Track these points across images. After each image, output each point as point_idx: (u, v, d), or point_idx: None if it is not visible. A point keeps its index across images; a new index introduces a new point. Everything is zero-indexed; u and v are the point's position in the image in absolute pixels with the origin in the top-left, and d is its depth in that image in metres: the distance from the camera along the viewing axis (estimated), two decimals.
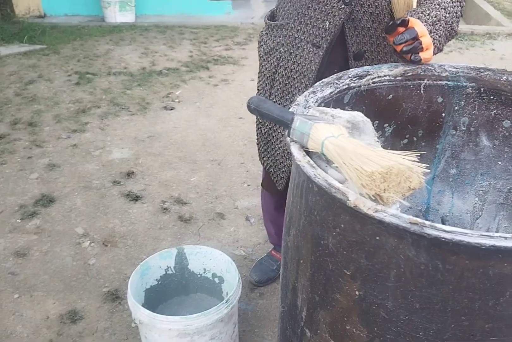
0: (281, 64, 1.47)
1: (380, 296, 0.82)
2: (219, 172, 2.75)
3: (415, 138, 1.39)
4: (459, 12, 1.35)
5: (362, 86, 1.21)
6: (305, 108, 1.12)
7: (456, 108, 1.39)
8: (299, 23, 1.39)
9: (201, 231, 2.29)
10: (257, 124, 1.62)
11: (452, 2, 1.35)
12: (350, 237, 0.83)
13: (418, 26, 1.20)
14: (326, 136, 0.87)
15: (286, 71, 1.47)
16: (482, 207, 1.46)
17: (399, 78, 1.27)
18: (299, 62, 1.43)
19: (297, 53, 1.42)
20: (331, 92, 1.20)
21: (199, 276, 1.71)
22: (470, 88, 1.35)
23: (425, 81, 1.35)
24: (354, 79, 1.22)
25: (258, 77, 1.58)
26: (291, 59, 1.44)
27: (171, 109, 3.48)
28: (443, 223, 1.51)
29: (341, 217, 0.83)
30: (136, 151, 2.92)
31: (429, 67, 1.32)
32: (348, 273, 0.85)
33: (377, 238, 0.79)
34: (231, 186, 2.63)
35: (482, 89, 1.34)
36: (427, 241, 0.74)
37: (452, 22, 1.33)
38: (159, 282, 1.66)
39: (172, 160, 2.85)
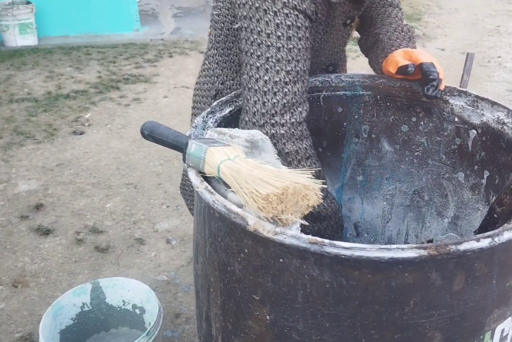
0: None
1: (290, 319, 0.80)
2: (136, 195, 2.67)
3: (320, 149, 1.41)
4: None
5: None
6: (203, 129, 1.09)
7: (356, 116, 1.42)
8: None
9: (120, 259, 2.19)
10: None
11: (400, 9, 1.37)
12: (255, 261, 0.81)
13: (429, 59, 1.17)
14: (221, 160, 0.85)
15: None
16: (391, 210, 1.50)
17: None
18: None
19: None
20: (231, 111, 1.19)
21: (118, 309, 1.63)
22: (367, 96, 1.39)
23: (323, 93, 1.37)
24: None
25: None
26: None
27: (81, 134, 3.34)
28: (356, 229, 1.54)
29: (244, 242, 0.81)
30: (44, 182, 2.77)
31: (327, 79, 1.34)
32: (257, 298, 0.82)
33: (281, 260, 0.78)
34: (149, 208, 2.56)
35: (378, 96, 1.38)
36: (328, 259, 0.74)
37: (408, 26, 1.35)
38: (75, 321, 1.56)
39: (84, 187, 2.73)
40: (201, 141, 0.91)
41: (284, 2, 0.99)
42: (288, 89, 1.01)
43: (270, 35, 0.99)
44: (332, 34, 1.22)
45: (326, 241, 0.72)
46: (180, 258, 2.21)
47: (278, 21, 0.99)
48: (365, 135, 1.44)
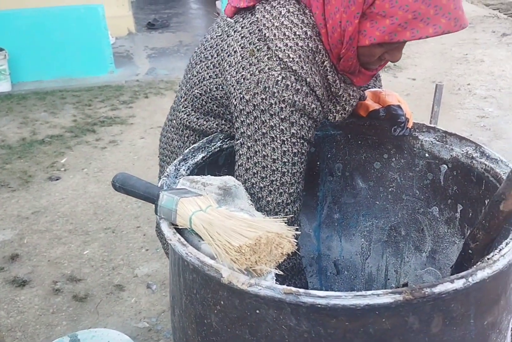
0: None
1: None
2: (114, 240, 2.62)
3: None
4: None
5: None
6: (176, 178, 1.09)
7: (329, 155, 1.44)
8: None
9: (99, 308, 2.13)
10: None
11: None
12: (232, 313, 0.80)
13: (396, 101, 1.22)
14: (193, 211, 0.85)
15: None
16: (369, 246, 1.50)
17: None
18: None
19: None
20: (204, 157, 1.20)
21: None
22: (338, 135, 1.41)
23: None
24: (225, 140, 1.23)
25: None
26: None
27: (57, 180, 3.30)
28: (336, 267, 1.54)
29: (219, 294, 0.80)
30: (20, 231, 2.71)
31: None
32: None
33: (257, 311, 0.77)
34: (129, 253, 2.51)
35: (349, 135, 1.40)
36: (305, 309, 0.73)
37: None
38: None
39: (61, 235, 2.67)
40: (173, 192, 0.91)
41: (293, 133, 1.00)
42: (289, 209, 1.05)
43: (276, 161, 1.01)
44: None
45: (301, 290, 0.72)
46: (161, 303, 2.16)
47: (285, 149, 1.01)
48: (339, 174, 1.46)
